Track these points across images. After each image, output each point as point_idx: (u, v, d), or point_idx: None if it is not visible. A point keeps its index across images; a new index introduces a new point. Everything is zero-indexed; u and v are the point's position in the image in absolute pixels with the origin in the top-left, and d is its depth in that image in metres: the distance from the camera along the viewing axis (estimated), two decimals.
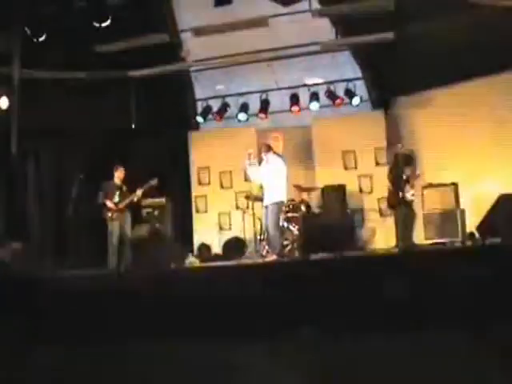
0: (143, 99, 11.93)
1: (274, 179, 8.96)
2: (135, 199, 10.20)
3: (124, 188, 10.30)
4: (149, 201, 11.21)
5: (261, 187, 9.58)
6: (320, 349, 5.31)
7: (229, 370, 4.96)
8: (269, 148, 9.17)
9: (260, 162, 9.29)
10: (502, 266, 6.34)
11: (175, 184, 12.42)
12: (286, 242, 10.28)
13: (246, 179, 9.82)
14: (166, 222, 11.54)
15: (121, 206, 10.13)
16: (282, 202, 9.14)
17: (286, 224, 10.58)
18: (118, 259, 9.85)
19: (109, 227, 10.07)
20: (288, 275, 6.95)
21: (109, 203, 10.07)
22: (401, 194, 9.98)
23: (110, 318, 6.54)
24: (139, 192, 10.12)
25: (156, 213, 11.53)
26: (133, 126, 12.27)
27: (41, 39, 9.36)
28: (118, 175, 10.33)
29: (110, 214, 10.07)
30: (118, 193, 10.22)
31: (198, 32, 11.07)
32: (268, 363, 5.11)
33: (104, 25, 9.16)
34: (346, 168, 12.59)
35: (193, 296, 6.81)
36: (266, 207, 9.04)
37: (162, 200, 11.52)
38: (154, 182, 10.15)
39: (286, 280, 6.82)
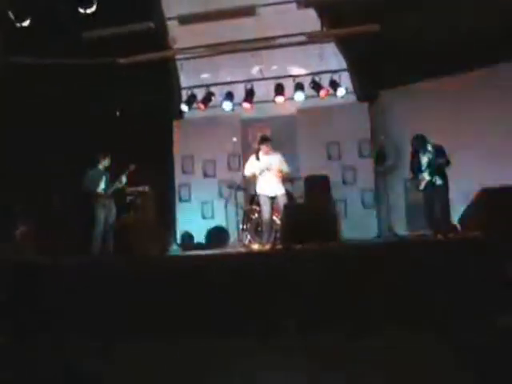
0: (128, 86, 11.84)
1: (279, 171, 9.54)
2: (120, 186, 10.37)
3: (108, 175, 10.45)
4: (132, 189, 11.15)
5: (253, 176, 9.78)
6: (305, 340, 5.35)
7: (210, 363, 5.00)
8: (268, 139, 9.65)
9: (257, 152, 9.60)
10: (482, 259, 6.41)
11: (159, 172, 12.36)
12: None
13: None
14: (149, 210, 11.47)
15: (108, 192, 10.30)
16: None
17: None
18: (103, 246, 9.86)
19: (96, 214, 10.21)
20: (273, 265, 6.97)
21: (99, 190, 10.24)
22: None
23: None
24: (123, 179, 10.32)
25: (139, 201, 11.47)
26: (117, 114, 12.33)
27: (24, 24, 9.23)
28: (104, 163, 10.43)
29: (97, 202, 10.19)
30: (104, 180, 10.35)
31: (184, 20, 11.03)
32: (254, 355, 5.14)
33: (89, 11, 9.05)
34: (329, 159, 12.62)
35: (177, 284, 6.82)
36: (274, 198, 9.46)
37: (145, 188, 11.48)
38: (131, 167, 10.36)
39: (269, 270, 6.84)
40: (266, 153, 9.67)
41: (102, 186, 10.35)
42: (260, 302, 6.37)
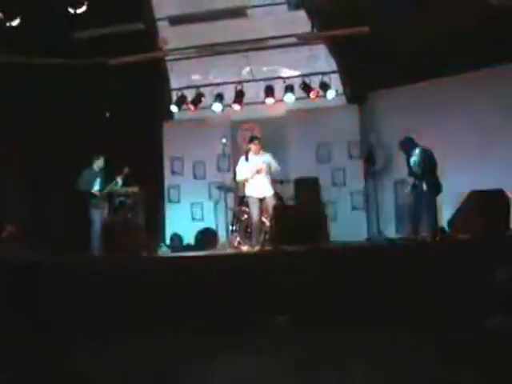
0: (118, 87, 11.83)
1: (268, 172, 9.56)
2: (116, 188, 10.49)
3: (102, 176, 10.53)
4: (122, 189, 11.11)
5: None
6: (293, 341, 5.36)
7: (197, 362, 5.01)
8: (257, 138, 9.74)
9: (246, 153, 9.66)
10: (470, 260, 6.45)
11: (149, 173, 12.29)
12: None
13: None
14: (139, 211, 11.45)
15: (103, 192, 10.38)
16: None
17: None
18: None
19: (91, 214, 10.28)
20: (262, 266, 6.99)
21: (94, 190, 10.28)
22: None
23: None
24: (119, 179, 10.44)
25: (129, 202, 11.44)
26: (107, 115, 12.26)
27: (14, 24, 9.19)
28: (98, 163, 10.49)
29: (94, 202, 10.26)
30: (98, 180, 10.42)
31: (174, 21, 11.03)
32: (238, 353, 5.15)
33: (79, 11, 9.03)
34: (319, 160, 12.66)
35: (165, 284, 6.83)
36: (263, 199, 9.49)
37: (135, 189, 11.43)
38: (126, 170, 10.42)
39: (260, 271, 6.86)
40: (256, 152, 9.68)
41: (97, 186, 10.39)
42: (249, 303, 6.39)
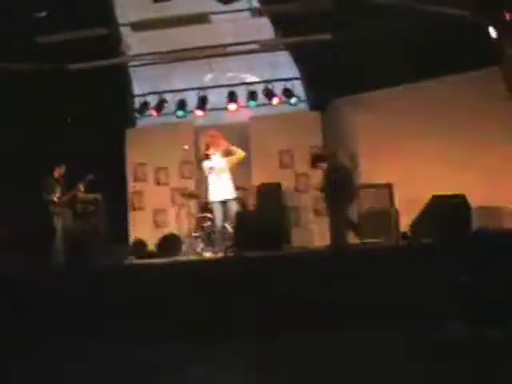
0: (79, 93, 11.69)
1: (230, 174, 9.42)
2: (77, 193, 10.45)
3: (62, 183, 10.46)
4: (84, 196, 10.99)
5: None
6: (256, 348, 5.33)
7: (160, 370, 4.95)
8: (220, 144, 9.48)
9: (206, 157, 9.48)
10: (431, 264, 6.49)
11: (111, 180, 12.25)
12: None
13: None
14: (101, 218, 11.36)
15: (64, 200, 10.32)
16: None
17: None
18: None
19: (54, 223, 10.21)
20: (224, 273, 6.96)
21: (55, 198, 10.22)
22: None
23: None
24: (81, 186, 10.39)
25: (91, 209, 11.34)
26: (68, 120, 12.19)
27: None
28: (59, 171, 10.45)
29: (55, 210, 10.19)
30: (58, 189, 10.35)
31: (137, 27, 10.97)
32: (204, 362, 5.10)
33: (41, 15, 8.93)
34: (282, 167, 12.66)
35: (128, 293, 6.76)
36: (225, 202, 9.33)
37: (98, 196, 11.35)
38: (90, 176, 10.38)
39: (221, 277, 6.82)
40: (216, 147, 9.53)
41: (57, 194, 10.32)
42: (211, 309, 6.36)
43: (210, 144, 9.54)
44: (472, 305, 5.36)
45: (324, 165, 10.09)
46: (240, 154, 9.50)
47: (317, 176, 12.19)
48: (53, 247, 10.10)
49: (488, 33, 9.08)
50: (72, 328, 6.42)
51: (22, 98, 11.32)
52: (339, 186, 9.64)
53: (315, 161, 10.35)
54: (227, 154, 9.53)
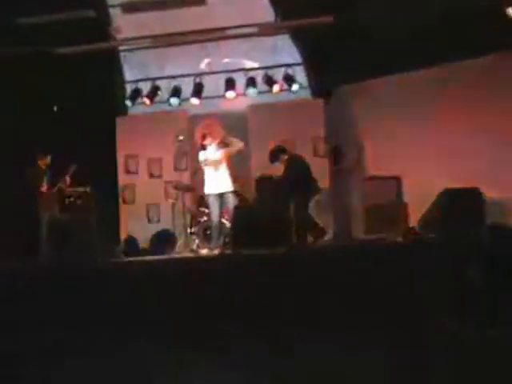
0: (67, 79, 11.70)
1: (227, 166, 9.44)
2: (63, 186, 10.49)
3: (49, 174, 10.46)
4: (71, 189, 10.99)
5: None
6: (248, 348, 5.32)
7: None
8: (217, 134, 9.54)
9: (203, 148, 9.50)
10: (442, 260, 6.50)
11: (101, 172, 12.21)
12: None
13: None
14: (90, 212, 11.33)
15: (52, 192, 10.41)
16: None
17: None
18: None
19: (39, 215, 10.20)
20: (223, 271, 6.95)
21: (43, 190, 10.23)
22: None
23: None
24: (67, 178, 10.39)
25: (79, 203, 11.32)
26: (54, 109, 12.18)
27: None
28: (44, 162, 10.42)
29: (40, 202, 10.20)
30: (45, 180, 10.30)
31: (128, 8, 10.95)
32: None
33: None
34: None
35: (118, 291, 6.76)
36: (222, 196, 9.33)
37: (86, 189, 11.33)
38: (73, 168, 10.40)
39: (218, 276, 6.82)
40: (212, 137, 9.55)
41: (44, 186, 10.29)
42: (207, 310, 6.38)
43: (207, 134, 9.52)
44: (485, 306, 5.42)
45: (285, 157, 10.32)
46: (238, 144, 9.49)
47: (320, 168, 12.20)
48: (39, 242, 10.04)
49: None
50: (51, 330, 6.44)
51: (4, 83, 11.28)
52: (298, 180, 9.98)
53: (276, 154, 10.39)
54: (224, 144, 9.51)
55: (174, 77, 12.71)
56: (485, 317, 5.19)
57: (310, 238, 10.47)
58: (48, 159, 10.45)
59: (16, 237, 10.86)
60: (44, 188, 10.22)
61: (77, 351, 5.56)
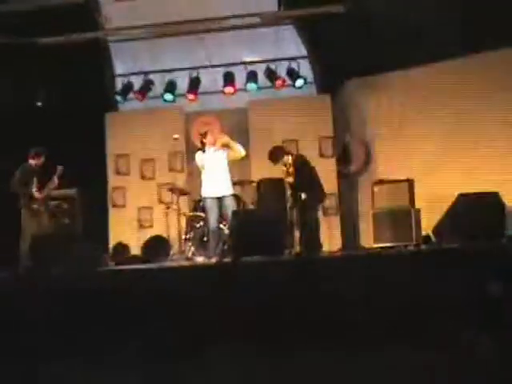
0: (51, 72, 11.58)
1: (227, 168, 9.22)
2: (52, 188, 10.15)
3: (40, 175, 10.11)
4: (57, 192, 10.75)
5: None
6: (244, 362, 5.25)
7: None
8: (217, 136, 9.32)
9: (202, 146, 9.28)
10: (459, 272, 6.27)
11: (88, 173, 11.96)
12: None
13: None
14: (77, 216, 11.21)
15: (45, 195, 10.03)
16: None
17: None
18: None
19: (25, 220, 9.84)
20: (219, 280, 6.77)
21: (36, 193, 9.86)
22: None
23: None
24: (56, 179, 10.03)
25: (65, 206, 11.19)
26: (38, 104, 12.04)
27: None
28: (36, 162, 10.05)
29: (35, 206, 9.90)
30: (34, 181, 9.95)
31: None
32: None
33: None
34: None
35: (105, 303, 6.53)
36: (220, 199, 9.10)
37: (72, 191, 11.16)
38: (59, 169, 10.03)
39: (215, 285, 6.61)
40: (212, 143, 9.25)
41: (34, 188, 9.86)
42: (204, 323, 6.18)
43: (204, 133, 9.33)
44: (505, 318, 5.17)
45: (288, 158, 9.94)
46: (239, 153, 9.18)
47: (325, 169, 12.05)
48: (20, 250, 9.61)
49: None
50: (32, 347, 6.27)
51: None
52: (304, 184, 9.70)
53: (276, 154, 10.01)
54: (225, 146, 9.23)
55: (168, 70, 12.63)
56: (505, 330, 5.11)
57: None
58: (42, 158, 10.09)
59: None
60: (35, 192, 9.80)
61: (61, 363, 5.44)
